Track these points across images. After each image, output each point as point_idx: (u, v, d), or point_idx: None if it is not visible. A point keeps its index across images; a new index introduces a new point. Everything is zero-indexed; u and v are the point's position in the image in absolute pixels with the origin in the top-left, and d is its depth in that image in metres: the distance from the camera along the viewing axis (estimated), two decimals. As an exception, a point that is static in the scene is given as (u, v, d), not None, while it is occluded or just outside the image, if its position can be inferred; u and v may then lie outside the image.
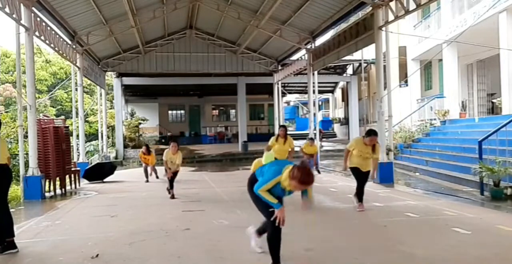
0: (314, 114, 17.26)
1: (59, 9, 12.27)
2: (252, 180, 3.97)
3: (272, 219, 3.74)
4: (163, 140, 27.86)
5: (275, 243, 3.83)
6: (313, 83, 16.88)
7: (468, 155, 10.66)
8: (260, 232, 4.43)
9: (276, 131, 22.38)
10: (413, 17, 18.19)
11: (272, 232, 3.82)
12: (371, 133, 6.79)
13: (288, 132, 9.38)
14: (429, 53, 16.38)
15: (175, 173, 8.96)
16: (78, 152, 15.57)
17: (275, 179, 3.69)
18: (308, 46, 16.89)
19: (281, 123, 24.31)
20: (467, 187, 9.16)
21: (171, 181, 8.88)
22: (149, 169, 12.83)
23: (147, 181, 12.55)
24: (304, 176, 3.52)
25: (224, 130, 31.99)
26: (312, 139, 13.38)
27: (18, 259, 4.63)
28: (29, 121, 9.53)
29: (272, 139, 8.88)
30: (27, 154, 10.08)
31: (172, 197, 8.74)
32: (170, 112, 33.55)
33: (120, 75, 22.88)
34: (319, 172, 12.96)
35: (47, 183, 9.98)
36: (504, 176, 7.91)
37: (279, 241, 3.82)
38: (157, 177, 12.84)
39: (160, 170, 11.49)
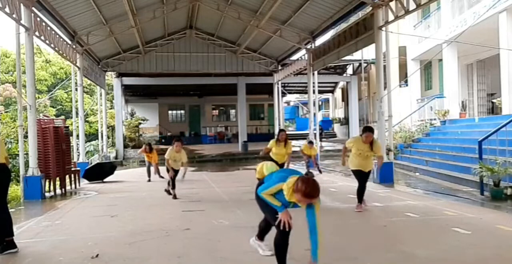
0: (314, 114, 17.25)
1: (59, 9, 12.28)
2: (259, 185, 3.91)
3: (276, 223, 3.67)
4: (163, 140, 27.87)
5: (282, 248, 3.72)
6: (313, 83, 16.87)
7: (468, 155, 10.66)
8: (260, 236, 4.38)
9: (276, 131, 22.33)
10: (413, 17, 18.18)
11: (279, 237, 3.71)
12: (367, 130, 6.78)
13: (288, 132, 9.38)
14: (429, 53, 16.36)
15: (176, 172, 8.90)
16: (78, 152, 15.57)
17: (278, 185, 3.61)
18: (308, 46, 16.89)
19: (281, 123, 24.33)
20: (467, 187, 9.15)
21: (173, 180, 8.83)
22: (152, 168, 12.84)
23: (149, 180, 12.58)
24: (309, 188, 3.36)
25: (224, 130, 31.98)
26: (311, 143, 13.23)
27: (18, 259, 4.63)
28: (29, 121, 9.52)
29: (272, 141, 8.86)
30: (27, 154, 10.08)
31: (174, 197, 8.71)
32: (170, 112, 33.55)
33: (120, 75, 22.87)
34: (320, 171, 12.91)
35: (47, 183, 9.98)
36: (504, 176, 7.91)
37: (286, 246, 3.71)
38: (160, 176, 12.84)
39: (162, 169, 11.45)
